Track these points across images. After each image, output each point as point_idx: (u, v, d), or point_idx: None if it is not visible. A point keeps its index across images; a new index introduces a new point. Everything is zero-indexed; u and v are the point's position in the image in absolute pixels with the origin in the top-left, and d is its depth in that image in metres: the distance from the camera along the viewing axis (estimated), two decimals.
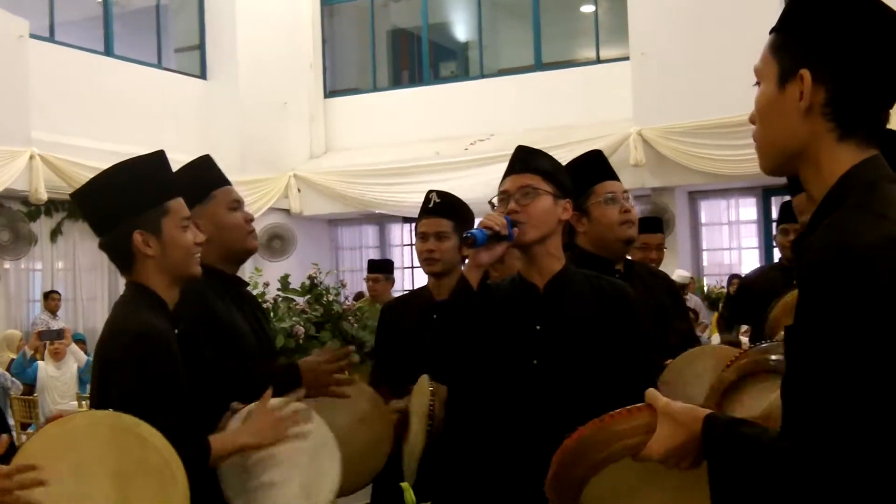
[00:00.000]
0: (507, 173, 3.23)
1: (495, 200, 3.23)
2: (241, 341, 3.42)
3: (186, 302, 3.14)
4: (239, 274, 3.65)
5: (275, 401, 3.07)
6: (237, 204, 3.53)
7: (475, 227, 3.15)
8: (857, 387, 1.61)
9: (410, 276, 17.26)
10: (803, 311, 1.70)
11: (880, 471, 1.61)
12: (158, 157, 3.09)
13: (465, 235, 3.07)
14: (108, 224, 3.01)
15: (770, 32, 1.91)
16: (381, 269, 9.90)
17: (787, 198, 5.25)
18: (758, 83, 1.91)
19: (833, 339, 1.63)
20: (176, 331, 3.00)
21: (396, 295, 10.06)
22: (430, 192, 4.29)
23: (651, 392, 2.04)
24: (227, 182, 3.60)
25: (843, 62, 1.78)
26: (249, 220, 3.56)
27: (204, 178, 3.53)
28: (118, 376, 2.84)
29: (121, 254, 3.00)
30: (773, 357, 2.53)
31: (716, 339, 10.75)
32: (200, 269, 3.08)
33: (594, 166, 3.93)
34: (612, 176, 3.93)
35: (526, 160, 3.23)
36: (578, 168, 3.85)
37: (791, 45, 1.84)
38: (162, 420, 2.59)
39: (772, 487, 1.71)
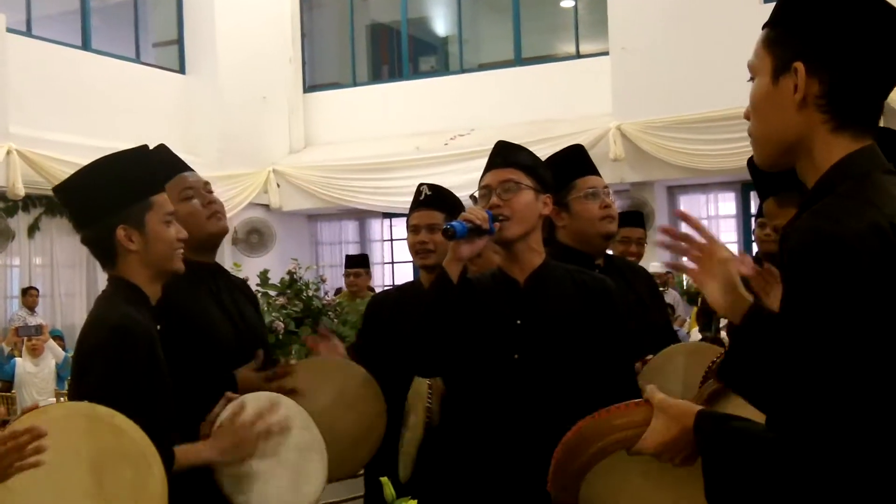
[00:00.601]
0: (488, 168, 3.23)
1: (476, 195, 3.23)
2: (214, 333, 3.39)
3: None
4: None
5: (262, 395, 3.07)
6: (191, 192, 3.46)
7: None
8: (838, 372, 1.62)
9: (391, 272, 17.27)
10: (786, 297, 1.72)
11: (867, 458, 1.62)
12: (142, 152, 3.09)
13: (445, 227, 3.06)
14: (91, 219, 2.99)
15: (763, 27, 1.92)
16: (362, 263, 9.91)
17: None
18: (752, 79, 1.93)
19: (815, 326, 1.64)
20: (158, 327, 2.98)
21: (372, 289, 10.09)
22: (421, 184, 4.24)
23: (650, 388, 2.07)
24: (181, 170, 3.53)
25: (836, 55, 1.80)
26: (208, 203, 3.48)
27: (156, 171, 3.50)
28: (95, 367, 2.83)
29: (103, 248, 2.98)
30: None
31: (695, 333, 10.78)
32: (183, 265, 3.05)
33: (575, 161, 3.93)
34: (593, 171, 3.92)
35: (507, 155, 3.23)
36: (559, 162, 3.85)
37: (785, 39, 1.86)
38: (135, 413, 2.57)
39: (762, 478, 1.73)
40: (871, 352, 1.62)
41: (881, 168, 1.81)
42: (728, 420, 1.86)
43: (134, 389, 2.74)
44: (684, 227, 2.26)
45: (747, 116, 1.94)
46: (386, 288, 15.22)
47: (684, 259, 2.24)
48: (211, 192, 3.54)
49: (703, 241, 2.17)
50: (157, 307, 3.04)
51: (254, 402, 3.07)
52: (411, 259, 4.25)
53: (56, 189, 3.11)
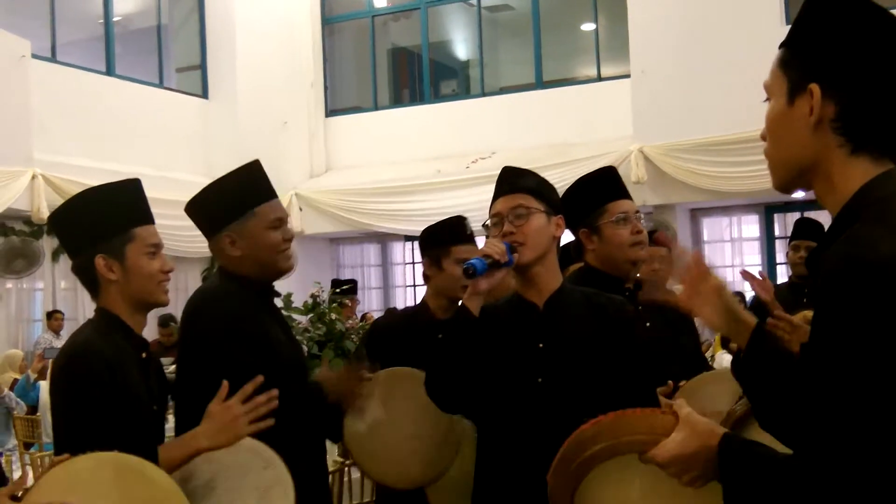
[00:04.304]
0: (497, 196, 3.22)
1: (488, 223, 3.22)
2: (281, 353, 3.43)
3: (239, 317, 3.24)
4: None
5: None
6: (279, 223, 3.54)
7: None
8: (870, 402, 1.57)
9: (413, 295, 17.25)
10: (818, 324, 1.67)
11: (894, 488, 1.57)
12: (131, 184, 3.13)
13: (465, 266, 3.06)
14: (76, 248, 3.06)
15: (779, 47, 1.88)
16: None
17: (791, 214, 5.20)
18: (768, 99, 1.88)
19: (846, 353, 1.59)
20: (143, 354, 3.02)
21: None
22: (462, 218, 4.33)
23: (679, 401, 2.03)
24: (271, 196, 3.59)
25: (852, 76, 1.75)
26: (286, 239, 3.55)
27: (247, 192, 3.54)
28: (57, 395, 2.90)
29: (87, 278, 3.04)
30: None
31: (720, 356, 10.72)
32: (167, 298, 3.08)
33: (607, 184, 3.90)
34: (625, 195, 3.88)
35: (514, 181, 3.22)
36: (591, 184, 3.83)
37: (800, 60, 1.82)
38: (95, 440, 2.57)
39: None
40: None
41: None
42: (753, 446, 1.82)
43: (91, 416, 2.75)
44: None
45: (763, 137, 1.91)
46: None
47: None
48: (289, 228, 3.63)
49: (694, 268, 2.19)
50: (202, 329, 3.15)
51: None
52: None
53: (49, 218, 3.19)
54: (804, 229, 6.31)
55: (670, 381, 3.49)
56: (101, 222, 3.00)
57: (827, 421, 1.61)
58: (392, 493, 3.91)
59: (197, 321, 3.37)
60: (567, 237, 3.53)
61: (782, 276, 13.27)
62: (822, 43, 1.79)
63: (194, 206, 3.55)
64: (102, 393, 2.80)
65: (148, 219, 3.09)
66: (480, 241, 3.36)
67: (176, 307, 9.34)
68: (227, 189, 3.53)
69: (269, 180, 3.62)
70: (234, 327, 3.26)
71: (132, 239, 3.00)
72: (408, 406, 3.61)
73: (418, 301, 4.51)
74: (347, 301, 7.27)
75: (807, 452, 1.65)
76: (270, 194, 3.58)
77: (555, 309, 3.16)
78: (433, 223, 4.44)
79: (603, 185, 3.87)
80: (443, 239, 4.28)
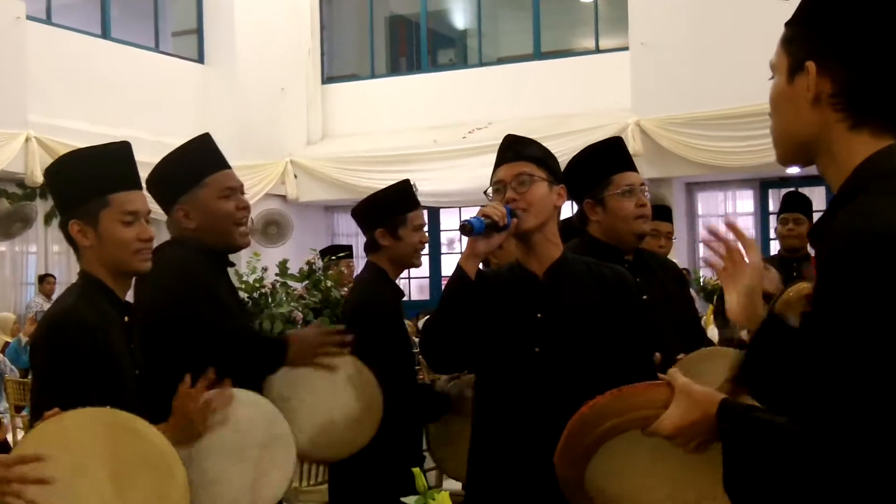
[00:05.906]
0: (499, 162, 3.20)
1: (490, 191, 3.21)
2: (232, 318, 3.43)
3: (186, 280, 3.21)
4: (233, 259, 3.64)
5: (241, 391, 3.03)
6: (228, 192, 3.44)
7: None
8: (875, 373, 1.57)
9: None
10: (823, 296, 1.68)
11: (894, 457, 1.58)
12: (118, 148, 3.06)
13: (462, 224, 3.04)
14: (60, 209, 3.04)
15: (784, 25, 1.91)
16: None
17: (786, 190, 5.20)
18: (773, 77, 1.92)
19: (854, 324, 1.60)
20: (126, 318, 2.99)
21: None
22: (409, 182, 4.28)
23: (673, 371, 2.08)
24: (223, 165, 3.52)
25: (847, 53, 1.78)
26: (242, 207, 3.47)
27: (196, 162, 3.47)
28: (37, 362, 2.90)
29: (69, 240, 3.01)
30: None
31: (711, 330, 10.73)
32: (144, 265, 2.99)
33: (614, 155, 3.86)
34: (631, 166, 3.86)
35: (518, 148, 3.21)
36: (597, 155, 3.80)
37: (799, 38, 1.85)
38: (75, 405, 2.54)
39: (784, 470, 1.70)
40: None
41: None
42: (752, 410, 1.85)
43: (70, 383, 2.73)
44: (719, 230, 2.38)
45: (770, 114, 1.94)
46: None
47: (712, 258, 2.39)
48: (244, 197, 3.54)
49: (738, 245, 2.29)
50: (161, 294, 3.13)
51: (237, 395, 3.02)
52: (426, 253, 4.22)
53: (45, 174, 3.18)
54: (792, 203, 6.34)
55: (658, 354, 3.47)
56: (80, 185, 2.95)
57: (829, 392, 1.62)
58: (346, 469, 3.91)
59: (158, 292, 3.28)
60: (566, 213, 3.51)
61: (776, 250, 13.29)
62: (818, 21, 1.82)
63: (150, 183, 3.45)
64: (82, 362, 2.78)
65: (130, 184, 2.99)
66: (471, 211, 3.33)
67: None
68: (176, 161, 3.46)
69: (221, 151, 3.54)
70: (191, 292, 3.25)
71: (107, 205, 2.92)
72: (324, 387, 3.52)
73: (411, 269, 4.42)
74: (344, 268, 7.26)
75: (809, 421, 1.66)
76: (222, 164, 3.48)
77: (555, 279, 3.15)
78: (375, 192, 4.33)
79: (609, 157, 3.84)
80: (397, 207, 4.18)
